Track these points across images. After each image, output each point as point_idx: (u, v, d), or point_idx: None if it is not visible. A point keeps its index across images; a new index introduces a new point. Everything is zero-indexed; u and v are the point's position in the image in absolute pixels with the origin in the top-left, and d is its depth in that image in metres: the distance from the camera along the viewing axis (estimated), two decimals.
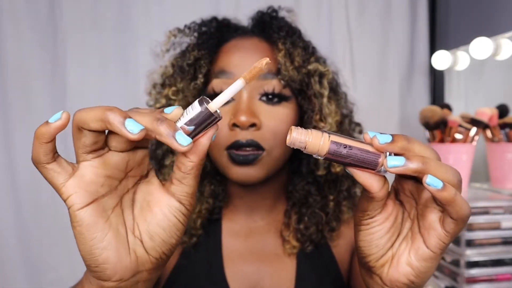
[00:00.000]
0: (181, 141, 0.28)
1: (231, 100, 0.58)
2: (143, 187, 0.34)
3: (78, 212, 0.29)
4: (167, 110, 0.30)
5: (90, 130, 0.28)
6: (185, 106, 0.60)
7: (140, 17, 1.20)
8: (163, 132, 0.28)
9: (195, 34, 0.66)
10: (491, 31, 1.13)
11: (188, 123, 0.29)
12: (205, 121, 0.29)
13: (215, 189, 0.66)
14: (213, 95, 0.59)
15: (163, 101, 0.64)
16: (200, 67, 0.63)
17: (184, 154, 0.31)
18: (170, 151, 0.65)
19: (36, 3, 1.16)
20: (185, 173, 0.31)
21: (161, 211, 0.32)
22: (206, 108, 0.29)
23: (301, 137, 0.31)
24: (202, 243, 0.65)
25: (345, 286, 0.66)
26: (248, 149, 0.56)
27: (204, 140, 0.31)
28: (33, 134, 0.28)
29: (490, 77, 1.25)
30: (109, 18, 1.20)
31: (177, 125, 0.29)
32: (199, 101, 0.29)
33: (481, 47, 1.10)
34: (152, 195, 0.33)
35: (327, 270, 0.65)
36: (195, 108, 0.29)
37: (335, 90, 0.66)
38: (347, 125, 0.66)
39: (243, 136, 0.56)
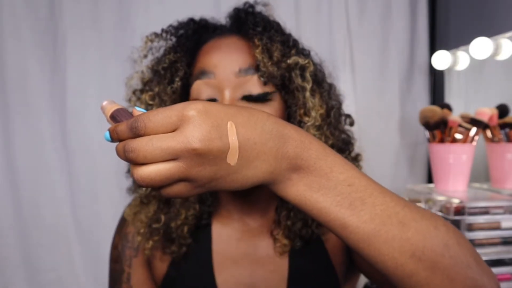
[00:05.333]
0: None
1: (215, 101, 0.57)
2: None
3: None
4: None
5: None
6: None
7: (140, 16, 1.20)
8: None
9: (173, 37, 0.65)
10: (491, 31, 1.13)
11: None
12: None
13: (202, 194, 0.65)
14: (196, 99, 0.57)
15: (142, 106, 0.63)
16: (176, 70, 0.61)
17: None
18: None
19: (36, 3, 1.16)
20: None
21: None
22: None
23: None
24: (192, 252, 0.64)
25: (337, 277, 0.66)
26: None
27: None
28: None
29: (490, 77, 1.25)
30: (109, 18, 1.20)
31: None
32: None
33: (481, 47, 1.10)
34: None
35: (318, 265, 0.65)
36: None
37: (319, 82, 0.64)
38: (333, 118, 0.64)
39: None
